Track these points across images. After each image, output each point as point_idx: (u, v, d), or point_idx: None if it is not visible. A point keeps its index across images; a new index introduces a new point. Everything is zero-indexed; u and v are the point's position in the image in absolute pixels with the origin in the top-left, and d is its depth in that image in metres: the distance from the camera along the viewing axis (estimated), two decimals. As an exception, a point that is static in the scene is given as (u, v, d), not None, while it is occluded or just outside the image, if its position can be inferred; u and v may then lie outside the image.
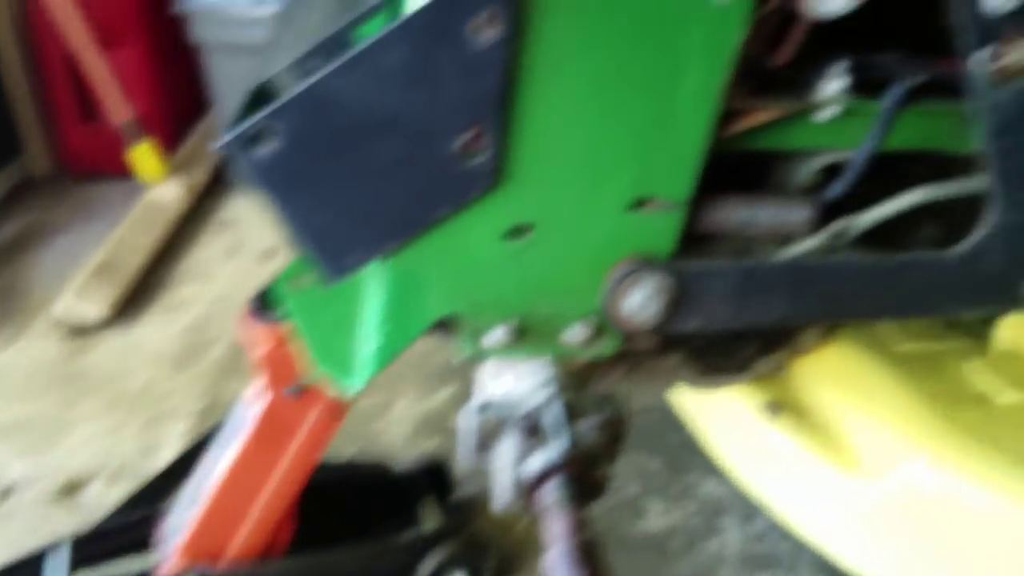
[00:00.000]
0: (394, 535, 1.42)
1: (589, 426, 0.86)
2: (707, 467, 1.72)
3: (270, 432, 1.24)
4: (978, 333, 1.15)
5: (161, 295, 2.38)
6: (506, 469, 0.86)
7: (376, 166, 0.79)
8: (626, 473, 1.73)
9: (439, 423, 1.86)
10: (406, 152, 0.78)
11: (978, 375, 1.08)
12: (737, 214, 0.92)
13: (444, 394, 1.93)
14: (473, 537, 1.44)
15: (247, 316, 1.19)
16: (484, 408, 0.89)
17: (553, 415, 0.86)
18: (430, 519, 1.46)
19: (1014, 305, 0.95)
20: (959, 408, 1.04)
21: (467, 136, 0.78)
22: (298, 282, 1.15)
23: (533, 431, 0.86)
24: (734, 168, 1.01)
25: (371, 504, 1.50)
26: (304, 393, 1.23)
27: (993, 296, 0.94)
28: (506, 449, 0.86)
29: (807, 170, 0.94)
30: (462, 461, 0.90)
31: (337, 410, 1.26)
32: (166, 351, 2.16)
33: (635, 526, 1.60)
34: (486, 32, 0.73)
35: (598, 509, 1.60)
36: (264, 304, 1.18)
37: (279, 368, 1.19)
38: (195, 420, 1.89)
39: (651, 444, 1.79)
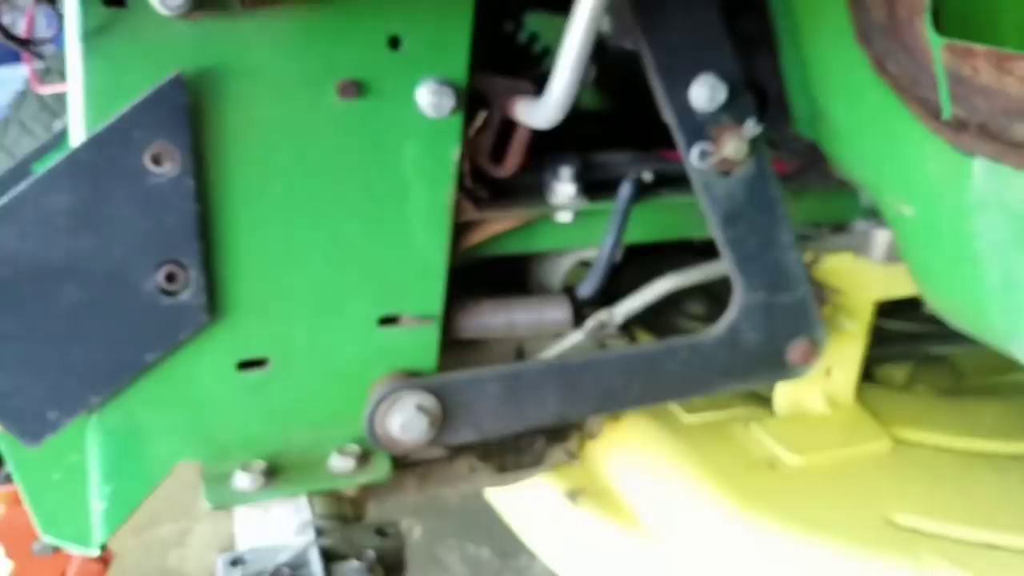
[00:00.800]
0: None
1: (353, 571, 0.78)
2: (534, 547, 1.70)
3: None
4: (763, 396, 1.20)
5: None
6: (267, 631, 0.77)
7: (58, 317, 0.69)
8: (458, 567, 1.66)
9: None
10: (92, 298, 0.70)
11: (764, 440, 1.11)
12: (496, 319, 0.90)
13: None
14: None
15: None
16: (236, 562, 0.79)
17: (309, 564, 0.78)
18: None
19: (784, 375, 0.99)
20: (747, 474, 1.07)
21: (163, 273, 0.70)
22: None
23: (291, 585, 0.77)
24: (497, 274, 1.00)
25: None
26: (57, 548, 1.09)
27: (761, 369, 0.97)
28: (267, 613, 0.77)
29: (561, 269, 0.94)
30: None
31: (100, 560, 1.12)
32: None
33: (470, 619, 1.53)
34: (164, 166, 0.66)
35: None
36: (-9, 464, 1.02)
37: (14, 532, 1.03)
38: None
39: (478, 533, 1.74)
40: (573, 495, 1.13)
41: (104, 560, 1.13)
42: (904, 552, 0.93)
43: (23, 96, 1.57)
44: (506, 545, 1.70)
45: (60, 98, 1.55)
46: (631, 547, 1.09)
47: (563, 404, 0.90)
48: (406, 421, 0.83)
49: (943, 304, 0.94)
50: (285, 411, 0.83)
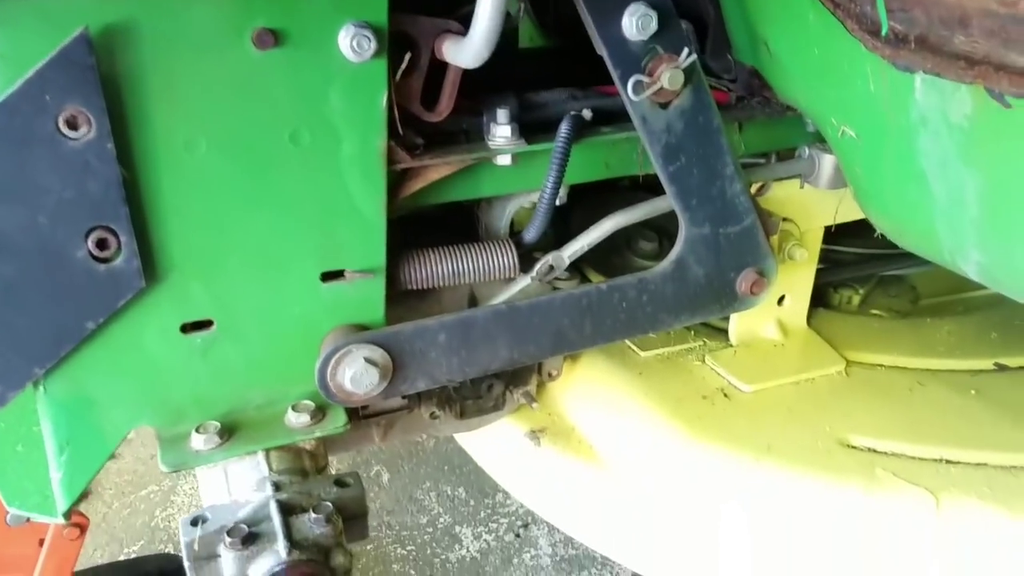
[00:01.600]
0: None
1: (312, 521, 0.80)
2: (509, 485, 1.74)
3: (3, 566, 1.10)
4: (718, 328, 1.21)
5: None
6: (232, 582, 0.79)
7: (-10, 291, 0.68)
8: (435, 505, 1.71)
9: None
10: (23, 269, 0.69)
11: (718, 371, 1.13)
12: (442, 268, 0.90)
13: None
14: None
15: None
16: (197, 521, 0.81)
17: (269, 518, 0.80)
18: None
19: (734, 307, 0.99)
20: (701, 404, 1.09)
21: (93, 240, 0.69)
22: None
23: (249, 540, 0.79)
24: (443, 221, 0.99)
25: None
26: (28, 520, 1.10)
27: (711, 303, 0.97)
28: (226, 563, 0.79)
29: (506, 214, 0.94)
30: None
31: (76, 526, 1.14)
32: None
33: (452, 554, 1.58)
34: (80, 130, 0.65)
35: (413, 546, 1.59)
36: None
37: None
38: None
39: (454, 474, 1.78)
40: (535, 435, 1.15)
41: (80, 526, 1.14)
42: (856, 470, 0.96)
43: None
44: (481, 484, 1.74)
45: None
46: (593, 481, 1.12)
47: (514, 349, 0.90)
48: (356, 374, 0.83)
49: (889, 225, 0.94)
50: (235, 371, 0.83)
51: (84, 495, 0.86)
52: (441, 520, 1.67)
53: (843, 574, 0.95)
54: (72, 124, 0.65)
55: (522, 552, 1.58)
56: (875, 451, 1.00)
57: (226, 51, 0.69)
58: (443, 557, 1.57)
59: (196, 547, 0.78)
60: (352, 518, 0.85)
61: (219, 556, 0.80)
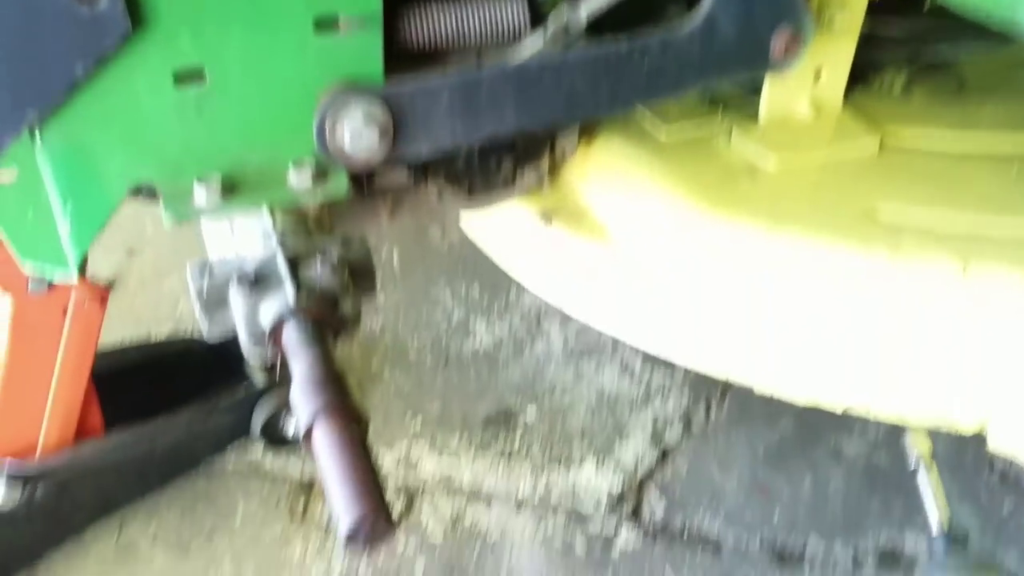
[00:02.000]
0: (223, 394, 1.40)
1: (319, 269, 0.81)
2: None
3: (28, 331, 1.16)
4: (746, 109, 1.14)
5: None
6: (241, 327, 0.82)
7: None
8: (450, 302, 1.74)
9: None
10: (10, 14, 0.67)
11: (746, 149, 1.08)
12: (446, 21, 0.84)
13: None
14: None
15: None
16: (205, 269, 0.82)
17: (277, 265, 0.81)
18: (258, 376, 1.44)
19: (765, 67, 0.94)
20: (725, 181, 1.05)
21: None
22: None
23: (257, 284, 0.81)
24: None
25: (200, 372, 1.46)
26: (52, 286, 1.13)
27: (740, 62, 0.92)
28: (236, 306, 0.82)
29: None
30: (204, 326, 0.85)
31: (96, 294, 1.17)
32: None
33: (465, 346, 1.64)
34: None
35: (429, 337, 1.65)
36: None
37: (7, 266, 1.07)
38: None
39: (469, 272, 1.80)
40: (546, 216, 1.13)
41: (102, 297, 1.18)
42: (883, 242, 0.93)
43: None
44: (495, 283, 1.77)
45: None
46: (607, 262, 1.11)
47: (523, 112, 0.86)
48: (355, 131, 0.81)
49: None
50: (232, 127, 0.80)
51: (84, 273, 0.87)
52: (456, 314, 1.71)
53: (867, 343, 0.95)
54: None
55: (534, 344, 1.63)
56: (904, 224, 0.96)
57: None
58: (457, 346, 1.63)
59: (205, 294, 0.80)
60: (359, 274, 0.86)
61: (228, 303, 0.83)
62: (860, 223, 0.96)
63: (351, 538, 0.60)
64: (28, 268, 0.92)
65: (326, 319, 0.81)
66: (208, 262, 0.81)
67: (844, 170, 1.05)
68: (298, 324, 0.79)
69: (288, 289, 0.79)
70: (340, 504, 0.61)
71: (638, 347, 1.14)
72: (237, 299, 0.80)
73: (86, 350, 1.20)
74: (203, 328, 0.84)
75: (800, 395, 1.02)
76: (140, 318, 1.70)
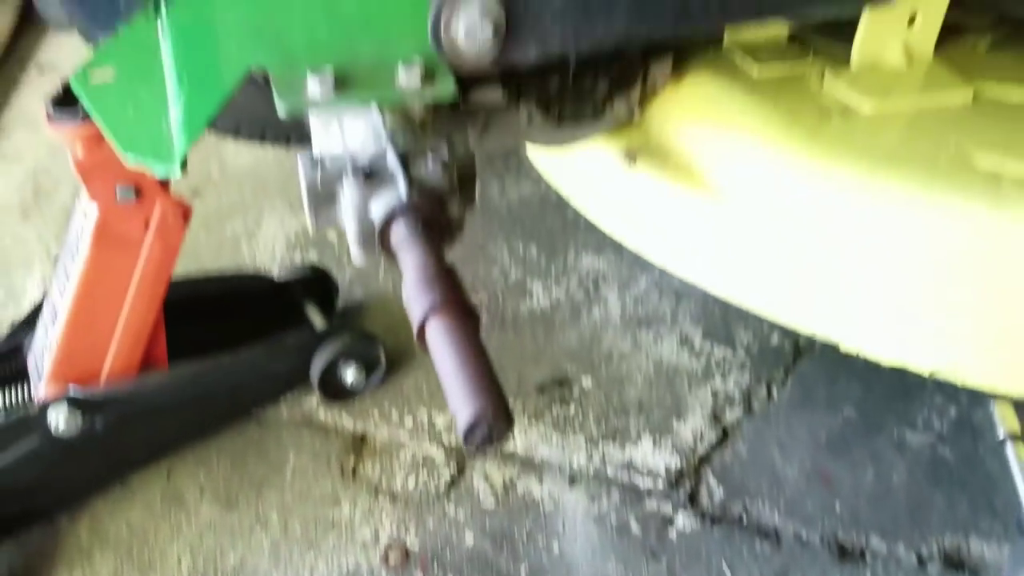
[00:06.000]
0: (285, 336, 1.40)
1: (429, 167, 0.81)
2: (582, 246, 1.75)
3: (111, 242, 1.16)
4: (835, 55, 1.14)
5: (-7, 146, 2.14)
6: (352, 220, 0.81)
7: None
8: (507, 261, 1.74)
9: (312, 238, 1.80)
10: None
11: (839, 91, 1.07)
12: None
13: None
14: (362, 332, 1.44)
15: (47, 120, 1.05)
16: (316, 163, 0.82)
17: (389, 161, 0.81)
18: (317, 321, 1.44)
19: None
20: (820, 122, 1.04)
21: None
22: (94, 74, 1.01)
23: (370, 178, 0.80)
24: None
25: (259, 311, 1.46)
26: (139, 195, 1.14)
27: None
28: (348, 199, 0.81)
29: None
30: (310, 220, 0.85)
31: (180, 209, 1.18)
32: (9, 201, 1.97)
33: (521, 306, 1.63)
34: None
35: (486, 295, 1.64)
36: (65, 103, 1.04)
37: (98, 171, 1.08)
38: (51, 266, 1.76)
39: (527, 233, 1.80)
40: (631, 155, 1.13)
41: (184, 212, 1.19)
42: (984, 188, 0.91)
43: None
44: (554, 244, 1.76)
45: None
46: (692, 204, 1.10)
47: (633, 19, 0.86)
48: (470, 25, 0.81)
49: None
50: (351, 15, 0.81)
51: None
52: (513, 274, 1.70)
53: (962, 298, 0.94)
54: None
55: (591, 308, 1.62)
56: (1002, 173, 0.95)
57: None
58: (514, 307, 1.62)
59: (318, 186, 0.80)
60: (464, 178, 0.86)
61: (338, 197, 0.82)
62: (960, 168, 0.95)
63: (469, 434, 0.58)
64: (130, 162, 0.93)
65: (436, 218, 0.81)
66: (319, 155, 0.81)
67: (939, 117, 1.04)
68: (410, 220, 0.78)
69: (400, 184, 0.79)
70: (458, 399, 0.59)
71: (720, 297, 1.13)
72: (350, 192, 0.79)
73: (163, 269, 1.20)
74: (309, 221, 0.83)
75: (888, 354, 0.99)
76: (201, 260, 1.72)
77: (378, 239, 0.81)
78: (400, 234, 0.78)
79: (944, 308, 0.95)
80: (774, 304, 1.07)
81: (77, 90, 1.02)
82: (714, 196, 1.08)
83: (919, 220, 0.94)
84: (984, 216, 0.90)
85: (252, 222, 1.87)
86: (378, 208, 0.80)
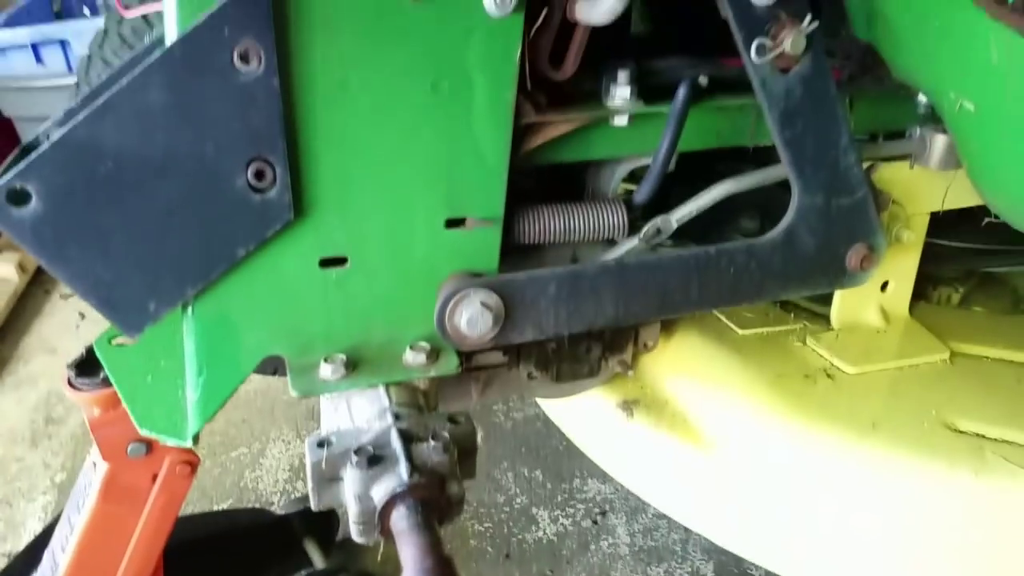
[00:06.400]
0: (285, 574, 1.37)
1: (430, 449, 0.84)
2: (586, 471, 1.75)
3: (117, 497, 1.17)
4: (817, 313, 1.21)
5: (9, 372, 2.22)
6: (353, 504, 0.83)
7: (156, 211, 0.74)
8: (513, 486, 1.73)
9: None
10: (187, 193, 0.75)
11: (820, 351, 1.13)
12: (555, 224, 0.94)
13: (322, 433, 1.88)
14: (363, 571, 1.41)
15: (66, 384, 1.12)
16: (323, 443, 0.86)
17: (390, 443, 0.84)
18: (317, 559, 1.42)
19: (842, 281, 0.99)
20: (804, 383, 1.09)
21: (253, 170, 0.75)
22: (115, 341, 1.08)
23: (373, 461, 0.83)
24: (557, 179, 1.03)
25: (258, 549, 1.44)
26: (149, 451, 1.17)
27: (819, 275, 0.97)
28: (350, 482, 0.84)
29: (616, 177, 0.97)
30: (314, 499, 0.87)
31: (188, 463, 1.20)
32: (20, 427, 2.01)
33: (528, 535, 1.60)
34: (251, 64, 0.71)
35: (491, 524, 1.62)
36: (86, 368, 1.11)
37: (109, 433, 1.12)
38: (56, 494, 1.76)
39: (532, 456, 1.80)
40: (628, 406, 1.17)
41: (192, 464, 1.21)
42: (966, 453, 0.95)
43: (104, 34, 1.65)
44: (559, 468, 1.76)
45: (138, 33, 1.63)
46: (687, 456, 1.13)
47: (621, 306, 0.93)
48: (472, 317, 0.88)
49: (1006, 204, 0.93)
50: (363, 308, 0.88)
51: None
52: (518, 500, 1.69)
53: (953, 558, 0.94)
54: (245, 58, 0.71)
55: (599, 539, 1.59)
56: (984, 436, 0.98)
57: (385, -1, 0.74)
58: (520, 537, 1.59)
59: (323, 467, 0.83)
60: (463, 454, 0.89)
61: (341, 478, 0.85)
62: (941, 435, 0.98)
63: None
64: (143, 433, 0.97)
65: (436, 501, 0.83)
66: (326, 437, 0.85)
67: (919, 377, 1.09)
68: (410, 504, 0.80)
69: (403, 468, 0.81)
70: None
71: (717, 543, 1.12)
72: (352, 476, 0.82)
73: (166, 520, 1.20)
74: (312, 501, 0.86)
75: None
76: (204, 489, 1.72)
77: (378, 521, 0.82)
78: (400, 519, 0.79)
79: (929, 571, 0.95)
80: (763, 555, 1.07)
81: (99, 353, 1.08)
82: (706, 448, 1.11)
83: (904, 485, 0.96)
84: (968, 480, 0.92)
85: (257, 448, 1.89)
86: (379, 491, 0.82)
